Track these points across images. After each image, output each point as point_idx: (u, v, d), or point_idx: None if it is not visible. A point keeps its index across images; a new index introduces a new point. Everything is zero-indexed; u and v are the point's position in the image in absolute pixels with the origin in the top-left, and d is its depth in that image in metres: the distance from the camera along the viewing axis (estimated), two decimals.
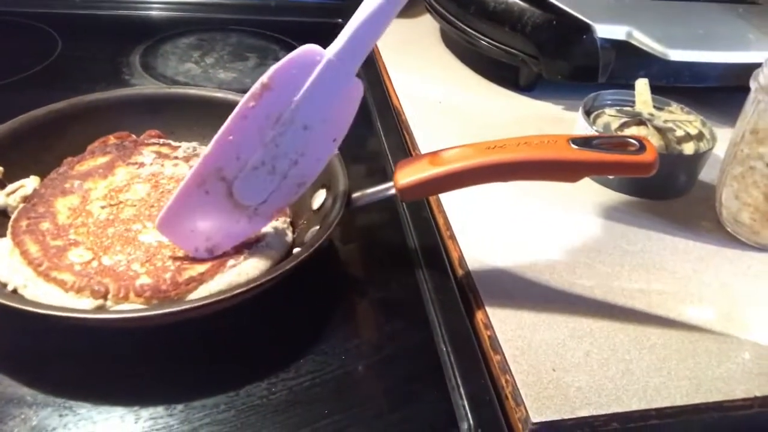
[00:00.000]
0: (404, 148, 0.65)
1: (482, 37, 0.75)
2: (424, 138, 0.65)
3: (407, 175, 0.43)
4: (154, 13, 0.92)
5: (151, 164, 0.51)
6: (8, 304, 0.36)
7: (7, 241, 0.43)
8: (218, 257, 0.43)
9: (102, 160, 0.51)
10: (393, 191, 0.44)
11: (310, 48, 0.39)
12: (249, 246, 0.44)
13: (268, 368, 0.40)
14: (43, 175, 0.50)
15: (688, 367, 0.43)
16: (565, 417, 0.39)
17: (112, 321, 0.38)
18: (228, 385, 0.39)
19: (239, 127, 0.40)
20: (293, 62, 0.39)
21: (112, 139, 0.54)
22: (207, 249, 0.43)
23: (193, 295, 0.40)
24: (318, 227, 0.45)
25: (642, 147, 0.39)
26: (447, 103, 0.73)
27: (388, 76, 0.78)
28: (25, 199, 0.48)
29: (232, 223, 0.43)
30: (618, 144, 0.40)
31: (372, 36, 0.39)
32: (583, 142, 0.40)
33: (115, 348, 0.41)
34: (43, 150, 0.51)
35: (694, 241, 0.55)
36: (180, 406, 0.37)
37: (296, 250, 0.45)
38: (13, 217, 0.46)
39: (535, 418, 0.38)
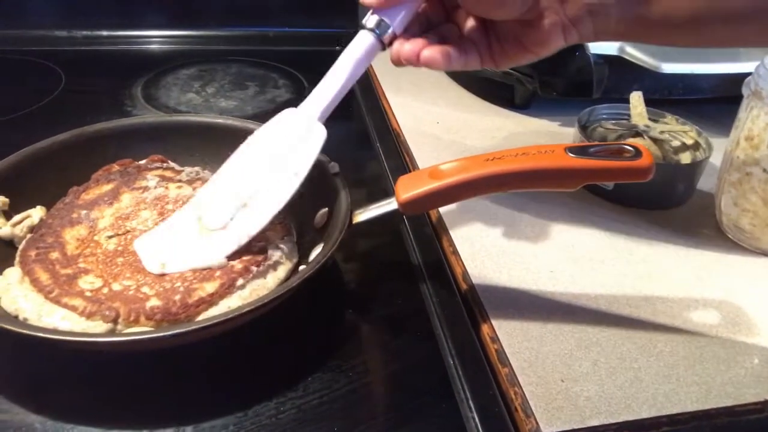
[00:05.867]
0: (405, 169, 0.66)
1: None
2: (424, 158, 0.66)
3: (408, 190, 0.43)
4: (154, 47, 0.94)
5: (156, 188, 0.52)
6: (18, 331, 0.36)
7: (16, 269, 0.44)
8: (226, 276, 0.43)
9: (107, 187, 0.52)
10: (395, 206, 0.44)
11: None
12: (257, 265, 0.44)
13: (276, 387, 0.40)
14: (48, 205, 0.50)
15: (697, 373, 0.42)
16: (576, 427, 0.39)
17: (121, 344, 0.38)
18: (236, 406, 0.39)
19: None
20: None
21: (115, 167, 0.54)
22: (160, 264, 0.45)
23: (203, 317, 0.41)
24: (322, 245, 0.45)
25: (638, 153, 0.40)
26: (445, 123, 0.74)
27: (386, 100, 0.79)
28: (32, 230, 0.48)
29: (190, 246, 0.45)
30: (614, 151, 0.41)
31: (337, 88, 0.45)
32: (580, 150, 0.41)
33: (124, 372, 0.41)
34: (47, 181, 0.51)
35: (696, 248, 0.55)
36: (189, 428, 0.37)
37: (301, 268, 0.45)
38: (21, 246, 0.46)
39: (546, 429, 0.38)
